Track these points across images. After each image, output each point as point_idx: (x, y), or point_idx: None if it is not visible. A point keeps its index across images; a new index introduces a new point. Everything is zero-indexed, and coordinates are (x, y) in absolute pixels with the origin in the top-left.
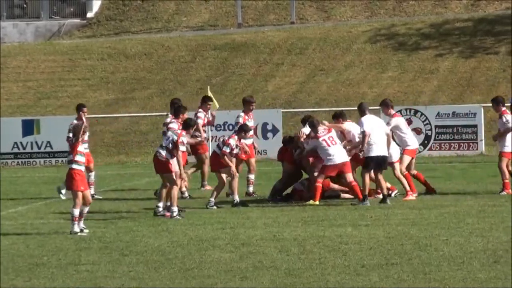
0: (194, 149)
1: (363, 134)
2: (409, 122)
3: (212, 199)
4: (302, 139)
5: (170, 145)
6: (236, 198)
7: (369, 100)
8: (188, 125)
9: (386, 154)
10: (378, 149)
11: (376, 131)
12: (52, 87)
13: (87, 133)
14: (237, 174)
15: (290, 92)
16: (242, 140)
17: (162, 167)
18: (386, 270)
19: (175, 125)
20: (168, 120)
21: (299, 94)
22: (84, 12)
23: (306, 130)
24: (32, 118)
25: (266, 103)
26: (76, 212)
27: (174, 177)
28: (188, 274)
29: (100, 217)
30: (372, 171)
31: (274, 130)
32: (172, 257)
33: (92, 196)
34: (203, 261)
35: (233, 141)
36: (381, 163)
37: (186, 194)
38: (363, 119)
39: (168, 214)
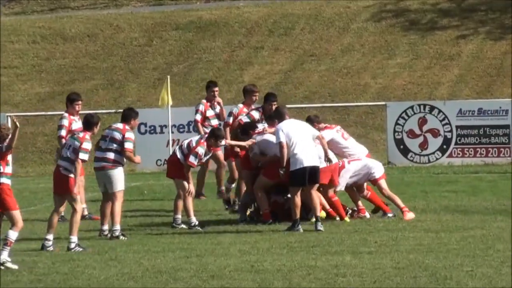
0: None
1: (280, 145)
2: (424, 121)
3: (178, 216)
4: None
5: (73, 154)
6: (193, 220)
7: (372, 94)
8: (90, 123)
9: (316, 164)
10: (304, 159)
11: (298, 139)
12: None
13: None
14: (193, 193)
15: (272, 84)
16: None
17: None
18: None
19: (131, 134)
20: (65, 122)
21: (283, 86)
22: None
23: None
24: None
25: (241, 97)
26: (15, 236)
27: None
28: None
29: (31, 243)
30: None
31: None
32: None
33: None
34: None
35: (201, 149)
36: (312, 175)
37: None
38: (279, 126)
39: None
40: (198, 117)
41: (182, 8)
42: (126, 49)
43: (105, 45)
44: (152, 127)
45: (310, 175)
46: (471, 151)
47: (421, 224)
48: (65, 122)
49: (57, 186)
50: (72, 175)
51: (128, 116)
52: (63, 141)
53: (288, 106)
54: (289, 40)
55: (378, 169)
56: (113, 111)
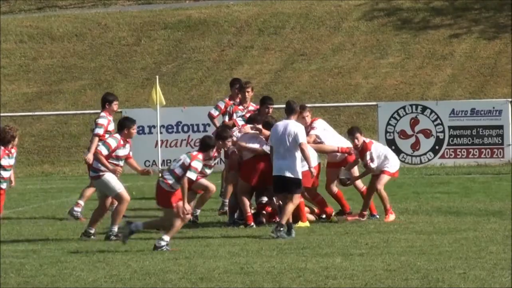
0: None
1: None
2: (416, 121)
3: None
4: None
5: (180, 170)
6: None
7: (363, 94)
8: (207, 145)
9: (286, 175)
10: (275, 168)
11: (277, 145)
12: None
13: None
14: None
15: (262, 84)
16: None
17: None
18: None
19: (104, 120)
20: (104, 122)
21: (273, 85)
22: None
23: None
24: None
25: None
26: None
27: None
28: None
29: (18, 244)
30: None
31: None
32: None
33: None
34: None
35: (199, 164)
36: (279, 185)
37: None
38: (272, 129)
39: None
40: (213, 111)
41: (171, 7)
42: (114, 48)
43: (93, 44)
44: (141, 128)
45: (277, 184)
46: (463, 152)
47: (413, 226)
48: (104, 122)
49: (159, 199)
50: (173, 191)
51: (122, 125)
52: (96, 139)
53: (278, 106)
54: (279, 39)
55: (392, 164)
56: (99, 111)
